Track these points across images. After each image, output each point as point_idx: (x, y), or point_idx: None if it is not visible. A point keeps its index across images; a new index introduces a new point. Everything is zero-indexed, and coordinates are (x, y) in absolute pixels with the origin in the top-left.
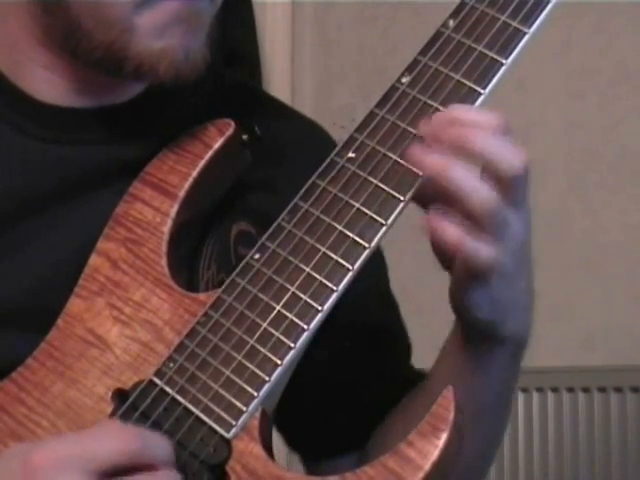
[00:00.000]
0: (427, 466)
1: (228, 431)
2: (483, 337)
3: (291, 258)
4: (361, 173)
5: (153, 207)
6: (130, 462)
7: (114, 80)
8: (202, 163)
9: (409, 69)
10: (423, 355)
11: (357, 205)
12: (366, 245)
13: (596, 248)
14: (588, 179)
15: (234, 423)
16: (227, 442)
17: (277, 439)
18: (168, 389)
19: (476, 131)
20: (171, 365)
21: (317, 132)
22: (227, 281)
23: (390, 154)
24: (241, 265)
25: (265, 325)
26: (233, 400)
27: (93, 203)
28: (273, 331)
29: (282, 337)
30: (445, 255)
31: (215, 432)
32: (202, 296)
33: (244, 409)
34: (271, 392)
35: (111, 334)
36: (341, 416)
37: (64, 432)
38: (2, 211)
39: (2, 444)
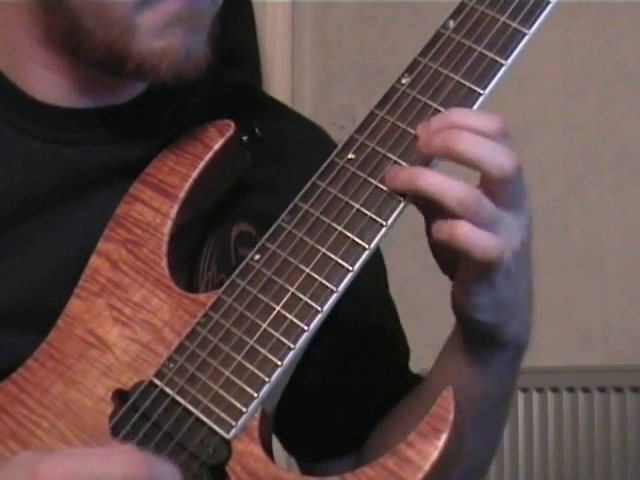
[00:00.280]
0: (427, 467)
1: (228, 432)
2: (484, 340)
3: (291, 259)
4: (361, 174)
5: (153, 208)
6: None
7: (115, 80)
8: (202, 164)
9: (409, 70)
10: (423, 355)
11: (357, 206)
12: (366, 246)
13: (595, 248)
14: (588, 179)
15: (234, 424)
16: (227, 443)
17: (277, 440)
18: (168, 390)
19: (467, 134)
20: (171, 366)
21: (317, 133)
22: (227, 282)
23: (390, 155)
24: (241, 266)
25: (265, 326)
26: (233, 401)
27: (93, 204)
28: (273, 332)
29: (282, 338)
30: (446, 257)
31: (215, 433)
32: (202, 297)
33: (244, 410)
34: (271, 393)
35: (111, 335)
36: (338, 418)
37: (64, 433)
38: (2, 211)
39: (2, 445)
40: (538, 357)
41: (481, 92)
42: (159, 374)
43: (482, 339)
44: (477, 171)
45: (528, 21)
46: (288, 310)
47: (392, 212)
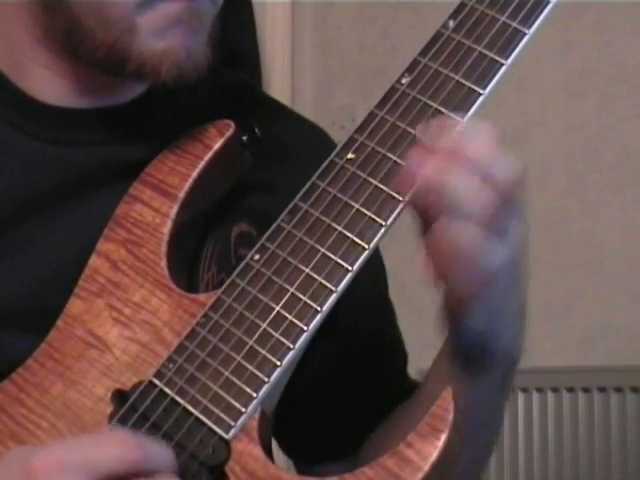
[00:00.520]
0: (426, 467)
1: (227, 432)
2: (475, 355)
3: (290, 259)
4: (361, 174)
5: (153, 208)
6: (130, 470)
7: (115, 80)
8: (202, 164)
9: (409, 70)
10: (423, 355)
11: (356, 206)
12: (365, 246)
13: (596, 248)
14: (588, 179)
15: (233, 424)
16: (226, 443)
17: (275, 441)
18: (167, 390)
19: (472, 139)
20: (170, 366)
21: (317, 134)
22: (227, 282)
23: (390, 155)
24: (241, 266)
25: (264, 326)
26: (232, 401)
27: (93, 204)
28: (272, 332)
29: (281, 338)
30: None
31: (214, 433)
32: (202, 297)
33: (243, 410)
34: (270, 393)
35: (111, 335)
36: (334, 421)
37: (64, 433)
38: (2, 212)
39: (2, 445)
40: (538, 357)
41: (481, 92)
42: (158, 374)
43: (473, 353)
44: None
45: (528, 21)
46: (287, 310)
47: (392, 212)
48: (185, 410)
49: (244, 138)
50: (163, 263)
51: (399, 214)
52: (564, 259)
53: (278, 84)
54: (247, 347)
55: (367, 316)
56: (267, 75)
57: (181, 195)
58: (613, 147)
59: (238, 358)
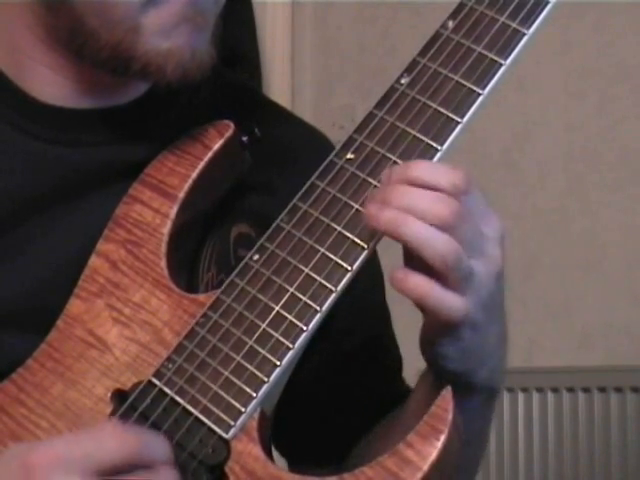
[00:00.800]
0: (426, 467)
1: (227, 432)
2: (454, 385)
3: (290, 259)
4: (360, 174)
5: (153, 208)
6: (129, 463)
7: (118, 80)
8: (201, 164)
9: (408, 70)
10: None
11: (356, 206)
12: (365, 246)
13: (595, 248)
14: (588, 179)
15: (233, 424)
16: (226, 443)
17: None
18: (167, 390)
19: (403, 188)
20: (170, 366)
21: (316, 136)
22: (226, 282)
23: (389, 155)
24: (240, 266)
25: (264, 326)
26: (232, 401)
27: (94, 204)
28: (272, 332)
29: (281, 338)
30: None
31: (214, 433)
32: (201, 297)
33: (243, 410)
34: (270, 393)
35: (110, 335)
36: (328, 424)
37: (64, 433)
38: (2, 212)
39: (2, 445)
40: (538, 357)
41: (480, 92)
42: (158, 374)
43: (452, 383)
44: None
45: (527, 21)
46: (287, 310)
47: None
48: (185, 410)
49: (244, 139)
50: (163, 263)
51: None
52: (564, 259)
53: (278, 84)
54: (247, 347)
55: (363, 319)
56: (267, 75)
57: (181, 195)
58: (613, 147)
59: (238, 358)
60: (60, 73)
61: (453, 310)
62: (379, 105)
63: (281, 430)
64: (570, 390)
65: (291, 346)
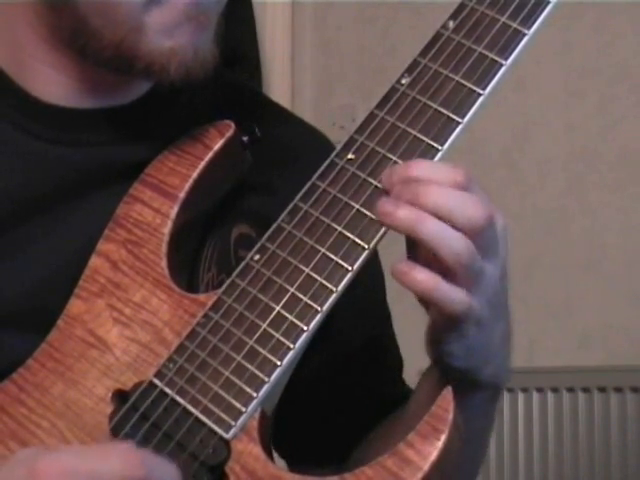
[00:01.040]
0: (426, 467)
1: (227, 432)
2: (459, 382)
3: (291, 259)
4: (361, 174)
5: (153, 208)
6: None
7: (120, 80)
8: (202, 164)
9: (409, 70)
10: (423, 355)
11: (356, 206)
12: (365, 246)
13: (595, 248)
14: (588, 179)
15: (233, 424)
16: (226, 443)
17: None
18: (168, 390)
19: (430, 188)
20: (171, 366)
21: (317, 136)
22: (227, 282)
23: (390, 155)
24: (241, 266)
25: (265, 326)
26: (232, 401)
27: (95, 204)
28: (273, 332)
29: (282, 338)
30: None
31: (214, 433)
32: (202, 297)
33: (243, 410)
34: (270, 393)
35: (111, 335)
36: (326, 426)
37: (64, 433)
38: (3, 212)
39: (3, 445)
40: (538, 357)
41: (481, 92)
42: (159, 374)
43: (457, 380)
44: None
45: (528, 21)
46: (288, 310)
47: None
48: (185, 410)
49: (244, 139)
50: (163, 263)
51: None
52: (564, 259)
53: (278, 84)
54: (247, 347)
55: (364, 319)
56: (267, 75)
57: (181, 195)
58: (613, 147)
59: (238, 358)
60: (62, 72)
61: (456, 304)
62: (380, 105)
63: (281, 431)
64: (570, 390)
65: (292, 346)
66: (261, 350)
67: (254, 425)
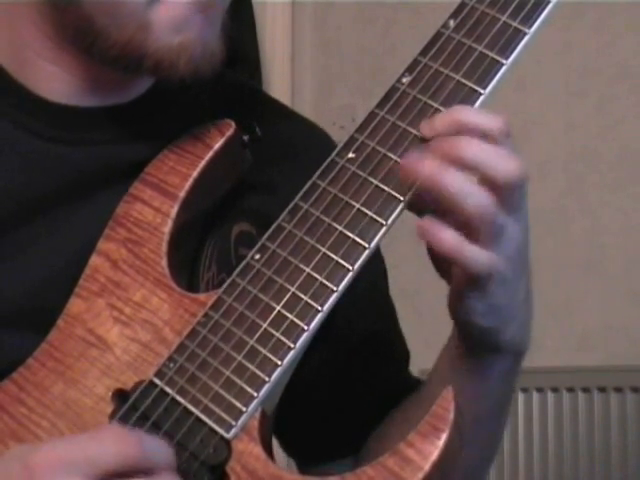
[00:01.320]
0: (427, 466)
1: (228, 431)
2: (482, 345)
3: (291, 258)
4: (361, 173)
5: (153, 207)
6: (130, 467)
7: (124, 78)
8: (202, 163)
9: (409, 69)
10: (423, 355)
11: (357, 205)
12: (366, 245)
13: (595, 248)
14: (588, 179)
15: (234, 423)
16: (227, 442)
17: (276, 440)
18: (168, 389)
19: (470, 140)
20: (171, 365)
21: (318, 134)
22: (227, 281)
23: (390, 154)
24: (241, 265)
25: (265, 325)
26: (233, 400)
27: (96, 203)
28: (273, 331)
29: (282, 337)
30: (442, 262)
31: (215, 432)
32: (202, 296)
33: (244, 409)
34: (271, 392)
35: (111, 334)
36: (336, 420)
37: (64, 432)
38: (4, 211)
39: (3, 444)
40: (538, 357)
41: (481, 92)
42: (159, 374)
43: (479, 343)
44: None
45: (528, 21)
46: (288, 310)
47: (392, 212)
48: (186, 410)
49: (245, 138)
50: (164, 262)
51: (400, 214)
52: (564, 259)
53: (278, 84)
54: (248, 346)
55: (368, 315)
56: (267, 75)
57: (182, 194)
58: (613, 147)
59: (239, 357)
60: (66, 70)
61: (481, 264)
62: (380, 104)
63: (289, 430)
64: (570, 390)
65: (292, 346)
66: (262, 350)
67: (255, 425)
